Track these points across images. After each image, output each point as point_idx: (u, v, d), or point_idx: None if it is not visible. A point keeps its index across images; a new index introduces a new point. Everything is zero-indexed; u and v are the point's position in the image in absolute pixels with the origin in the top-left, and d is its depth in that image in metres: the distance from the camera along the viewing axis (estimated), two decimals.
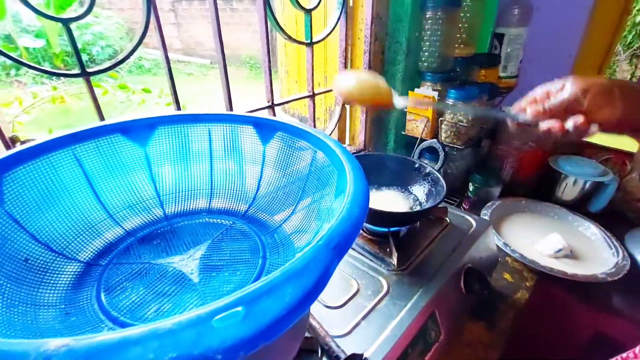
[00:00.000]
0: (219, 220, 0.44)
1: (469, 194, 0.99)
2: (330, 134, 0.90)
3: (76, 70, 0.51)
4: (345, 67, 0.89)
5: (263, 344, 0.17)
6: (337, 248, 0.22)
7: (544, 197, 0.97)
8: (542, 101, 0.41)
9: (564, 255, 0.78)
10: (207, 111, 0.46)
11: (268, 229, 0.43)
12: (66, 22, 0.49)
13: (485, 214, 0.89)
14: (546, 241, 0.80)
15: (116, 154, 0.43)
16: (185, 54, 6.14)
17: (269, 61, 0.74)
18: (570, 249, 0.79)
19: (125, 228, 0.42)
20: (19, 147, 0.36)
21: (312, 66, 0.80)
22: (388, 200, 0.71)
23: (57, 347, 0.15)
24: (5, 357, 0.15)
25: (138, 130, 0.44)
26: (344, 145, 0.36)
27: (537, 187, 1.01)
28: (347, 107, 1.05)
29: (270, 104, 0.75)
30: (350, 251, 0.64)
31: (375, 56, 0.92)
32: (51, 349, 0.15)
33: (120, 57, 0.53)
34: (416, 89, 0.92)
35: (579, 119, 0.38)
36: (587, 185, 0.91)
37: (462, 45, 0.94)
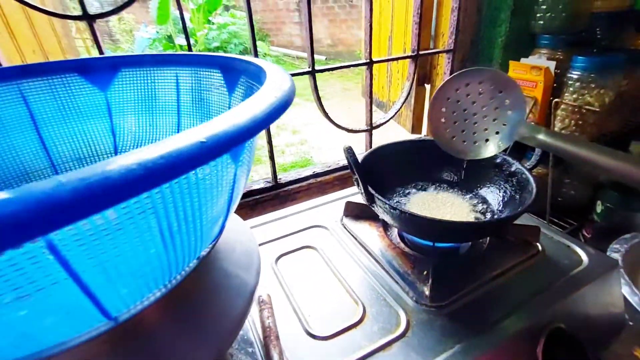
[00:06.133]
0: None
1: (595, 217, 0.68)
2: (393, 116, 0.72)
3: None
4: (420, 29, 0.69)
5: None
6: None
7: None
8: None
9: None
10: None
11: None
12: (89, 19, 0.46)
13: (617, 249, 0.58)
14: None
15: (72, 96, 0.37)
16: (304, 50, 6.45)
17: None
18: None
19: None
20: None
21: (371, 24, 0.64)
22: (443, 203, 0.51)
23: None
24: None
25: (99, 70, 0.37)
26: None
27: None
28: (427, 86, 0.84)
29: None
30: (368, 262, 0.46)
31: (467, 15, 0.69)
32: None
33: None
34: (523, 60, 0.66)
35: None
36: None
37: None
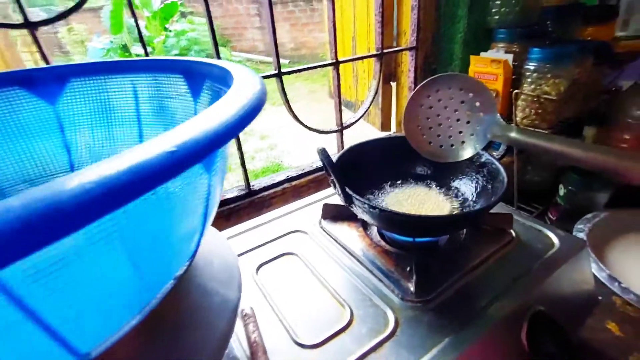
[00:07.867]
0: None
1: (559, 200, 0.71)
2: (362, 115, 0.72)
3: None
4: (383, 28, 0.70)
5: None
6: None
7: None
8: None
9: None
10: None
11: None
12: (31, 27, 0.42)
13: (581, 229, 0.61)
14: None
15: (17, 113, 0.34)
16: (267, 55, 6.39)
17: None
18: None
19: None
20: None
21: (335, 29, 0.63)
22: (419, 199, 0.51)
23: None
24: None
25: (46, 82, 0.34)
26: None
27: None
28: (393, 84, 0.85)
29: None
30: (351, 263, 0.46)
31: (426, 13, 0.71)
32: None
33: (69, 5, 0.44)
34: (483, 54, 0.68)
35: None
36: None
37: None
